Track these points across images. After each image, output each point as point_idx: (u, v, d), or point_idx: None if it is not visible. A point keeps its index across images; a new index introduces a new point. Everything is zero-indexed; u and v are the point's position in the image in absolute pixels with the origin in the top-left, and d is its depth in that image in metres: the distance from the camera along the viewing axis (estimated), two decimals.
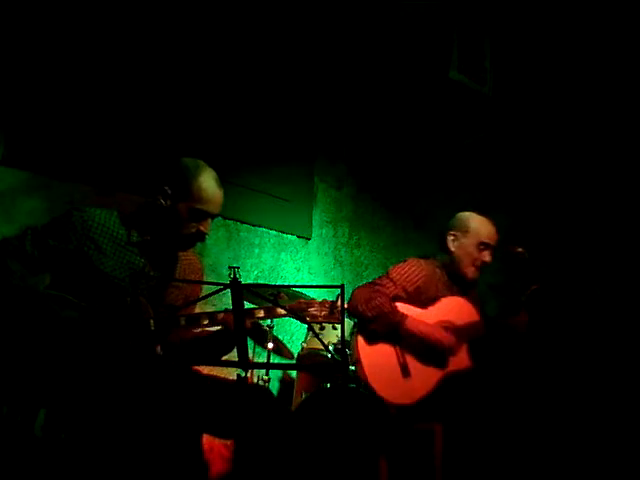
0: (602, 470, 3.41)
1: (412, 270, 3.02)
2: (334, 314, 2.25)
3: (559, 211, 4.86)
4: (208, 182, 2.29)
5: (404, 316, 2.90)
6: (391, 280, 2.98)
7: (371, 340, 2.93)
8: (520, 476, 2.84)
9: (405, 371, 2.89)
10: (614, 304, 4.16)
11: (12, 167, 3.36)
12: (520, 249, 3.07)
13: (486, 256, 3.07)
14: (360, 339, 2.93)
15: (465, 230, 3.09)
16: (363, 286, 3.00)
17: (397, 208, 5.01)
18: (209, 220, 2.31)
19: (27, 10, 3.44)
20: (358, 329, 2.97)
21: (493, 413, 2.84)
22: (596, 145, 4.78)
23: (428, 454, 2.82)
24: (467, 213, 3.15)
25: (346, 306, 2.94)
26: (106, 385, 2.05)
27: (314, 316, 2.25)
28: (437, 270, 3.10)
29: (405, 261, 3.08)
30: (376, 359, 2.90)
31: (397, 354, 2.92)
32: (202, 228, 2.29)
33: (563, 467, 3.26)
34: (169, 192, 2.28)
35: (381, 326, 2.88)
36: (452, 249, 3.09)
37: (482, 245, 3.06)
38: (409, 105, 4.95)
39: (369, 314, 2.88)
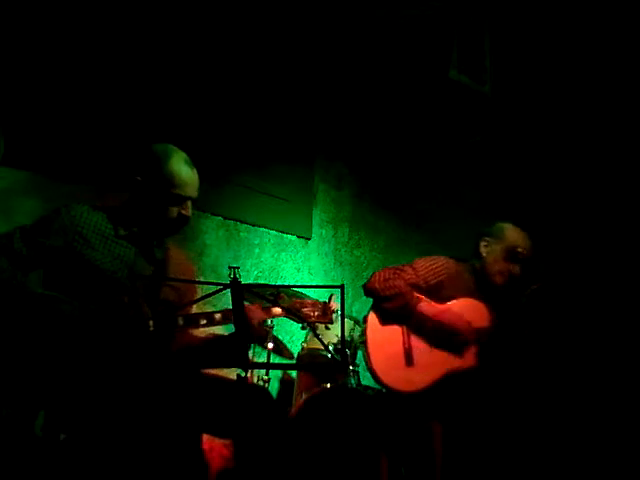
0: (602, 470, 3.41)
1: (438, 265, 3.05)
2: (327, 315, 2.27)
3: (559, 211, 4.85)
4: (179, 165, 2.28)
5: (419, 298, 2.93)
6: (414, 269, 3.01)
7: (382, 322, 2.97)
8: (520, 475, 2.84)
9: (409, 359, 2.91)
10: (614, 304, 4.16)
11: (12, 167, 3.36)
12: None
13: (515, 268, 3.07)
14: (372, 318, 2.97)
15: (499, 238, 3.10)
16: (385, 268, 3.05)
17: (397, 208, 5.00)
18: (188, 202, 2.30)
19: (27, 10, 3.44)
20: (372, 308, 3.00)
21: (493, 412, 2.84)
22: (596, 145, 4.78)
23: (429, 453, 2.82)
24: (506, 223, 3.17)
25: (364, 285, 3.02)
26: (106, 385, 2.05)
27: (307, 316, 2.27)
28: (465, 274, 3.11)
29: (434, 256, 3.11)
30: (383, 342, 2.93)
31: (404, 341, 2.94)
32: (183, 212, 2.29)
33: (563, 467, 3.26)
34: (140, 181, 2.28)
35: (395, 306, 2.91)
36: (483, 254, 3.10)
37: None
38: (409, 105, 4.95)
39: (385, 292, 2.92)
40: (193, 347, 2.30)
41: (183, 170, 2.28)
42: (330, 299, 2.31)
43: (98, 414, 2.03)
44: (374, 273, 3.03)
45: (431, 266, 3.04)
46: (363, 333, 3.03)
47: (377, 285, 2.95)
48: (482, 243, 3.13)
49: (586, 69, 4.82)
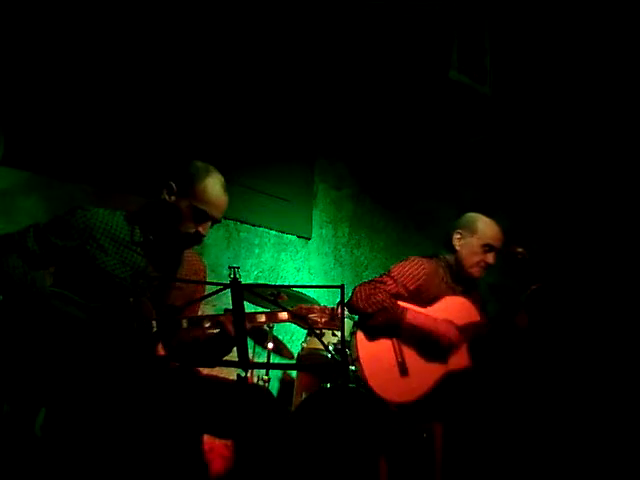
0: (602, 470, 3.41)
1: (414, 268, 3.02)
2: (334, 321, 2.26)
3: (559, 211, 4.86)
4: (213, 184, 2.29)
5: (405, 310, 2.90)
6: (392, 278, 2.98)
7: (371, 338, 2.94)
8: (520, 476, 2.84)
9: (403, 370, 2.89)
10: (614, 304, 4.16)
11: (12, 167, 3.36)
12: (520, 249, 3.07)
13: (490, 258, 3.06)
14: (360, 336, 2.94)
15: (472, 230, 3.09)
16: (364, 283, 2.99)
17: (397, 208, 5.00)
18: (208, 223, 2.31)
19: (27, 10, 3.44)
20: (358, 326, 2.97)
21: (493, 413, 2.84)
22: (596, 145, 4.78)
23: (428, 454, 2.82)
24: (475, 214, 3.15)
25: (346, 303, 2.97)
26: (107, 385, 2.05)
27: (314, 322, 2.26)
28: (440, 269, 3.09)
29: (407, 259, 3.07)
30: (375, 357, 2.91)
31: (396, 352, 2.92)
32: (200, 229, 2.29)
33: (563, 467, 3.26)
34: (174, 188, 2.29)
35: (382, 322, 2.89)
36: (457, 248, 3.09)
37: (487, 246, 3.06)
38: (409, 105, 4.95)
39: (369, 310, 2.88)
40: (194, 344, 2.30)
41: (215, 189, 2.29)
42: (338, 305, 2.29)
43: (99, 414, 2.03)
44: (354, 290, 2.97)
45: (408, 271, 3.01)
46: (354, 335, 3.01)
47: (360, 304, 2.90)
48: (455, 236, 3.10)
49: (586, 69, 4.82)
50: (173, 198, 2.28)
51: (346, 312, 2.94)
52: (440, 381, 2.89)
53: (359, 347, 2.92)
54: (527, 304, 3.06)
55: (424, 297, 3.01)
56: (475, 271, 3.07)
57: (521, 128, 5.08)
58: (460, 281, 3.11)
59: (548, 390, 3.73)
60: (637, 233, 4.36)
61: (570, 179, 4.87)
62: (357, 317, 3.00)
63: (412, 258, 3.08)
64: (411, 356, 2.92)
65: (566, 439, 3.45)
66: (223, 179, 2.35)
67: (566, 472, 3.26)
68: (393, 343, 2.93)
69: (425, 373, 2.90)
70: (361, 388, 3.14)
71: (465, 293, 3.10)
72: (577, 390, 3.90)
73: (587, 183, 4.78)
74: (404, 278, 2.99)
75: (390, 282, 2.96)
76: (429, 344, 2.91)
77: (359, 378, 2.96)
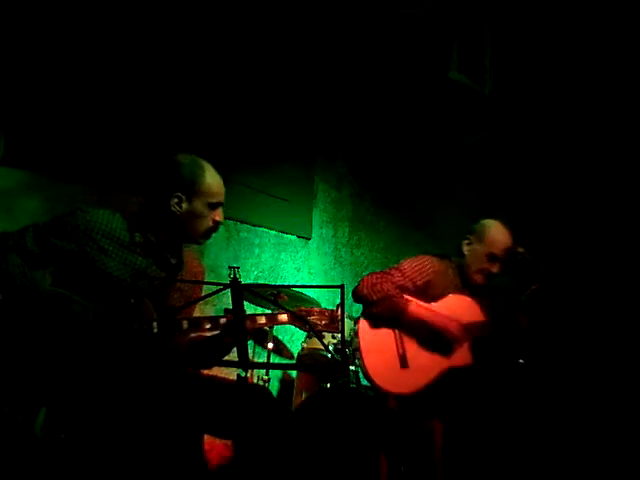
0: (602, 469, 3.41)
1: (423, 265, 3.05)
2: (334, 323, 2.26)
3: (559, 211, 4.86)
4: (212, 175, 2.35)
5: (408, 301, 2.92)
6: (400, 271, 3.01)
7: (373, 326, 2.96)
8: (520, 475, 2.84)
9: (403, 362, 2.90)
10: (614, 304, 4.16)
11: (12, 167, 3.36)
12: (520, 249, 3.07)
13: (494, 267, 3.07)
14: (362, 324, 2.96)
15: (481, 238, 3.10)
16: (372, 273, 3.04)
17: (397, 208, 5.01)
18: (221, 208, 2.36)
19: (27, 10, 3.44)
20: (362, 314, 3.00)
21: (493, 411, 2.84)
22: (596, 145, 4.78)
23: (428, 452, 2.82)
24: (489, 221, 3.16)
25: (352, 291, 3.01)
26: (107, 385, 2.05)
27: (314, 324, 2.26)
28: (450, 271, 3.11)
29: (417, 256, 3.11)
30: (376, 346, 2.92)
31: (397, 344, 2.93)
32: (218, 218, 2.34)
33: (563, 466, 3.26)
34: (182, 197, 2.29)
35: (384, 310, 2.91)
36: (465, 253, 3.11)
37: (491, 256, 3.07)
38: (409, 105, 4.95)
39: (374, 297, 2.91)
40: (194, 344, 2.30)
41: (217, 178, 2.36)
42: (338, 308, 2.29)
43: (100, 414, 2.03)
44: (362, 278, 3.03)
45: (417, 266, 3.04)
46: (355, 335, 3.03)
47: (365, 290, 2.94)
48: (464, 241, 3.14)
49: (586, 69, 4.82)
50: (185, 206, 2.30)
51: (346, 313, 2.95)
52: (440, 376, 2.90)
53: (361, 336, 2.94)
54: (527, 304, 3.06)
55: (430, 294, 3.03)
56: (478, 278, 3.08)
57: (521, 128, 5.08)
58: (469, 285, 3.12)
59: (548, 389, 3.73)
60: (637, 233, 4.36)
61: (570, 179, 4.86)
62: (361, 306, 3.02)
63: (422, 256, 3.11)
64: (412, 349, 2.93)
65: (566, 439, 3.45)
66: (209, 163, 2.39)
67: (566, 472, 3.26)
68: (395, 334, 2.95)
69: (425, 367, 2.91)
70: (361, 389, 3.15)
71: (473, 295, 3.10)
72: (577, 390, 3.90)
73: (587, 183, 4.77)
74: (412, 273, 3.02)
75: (397, 275, 3.00)
76: (431, 338, 2.93)
77: (360, 376, 2.97)
